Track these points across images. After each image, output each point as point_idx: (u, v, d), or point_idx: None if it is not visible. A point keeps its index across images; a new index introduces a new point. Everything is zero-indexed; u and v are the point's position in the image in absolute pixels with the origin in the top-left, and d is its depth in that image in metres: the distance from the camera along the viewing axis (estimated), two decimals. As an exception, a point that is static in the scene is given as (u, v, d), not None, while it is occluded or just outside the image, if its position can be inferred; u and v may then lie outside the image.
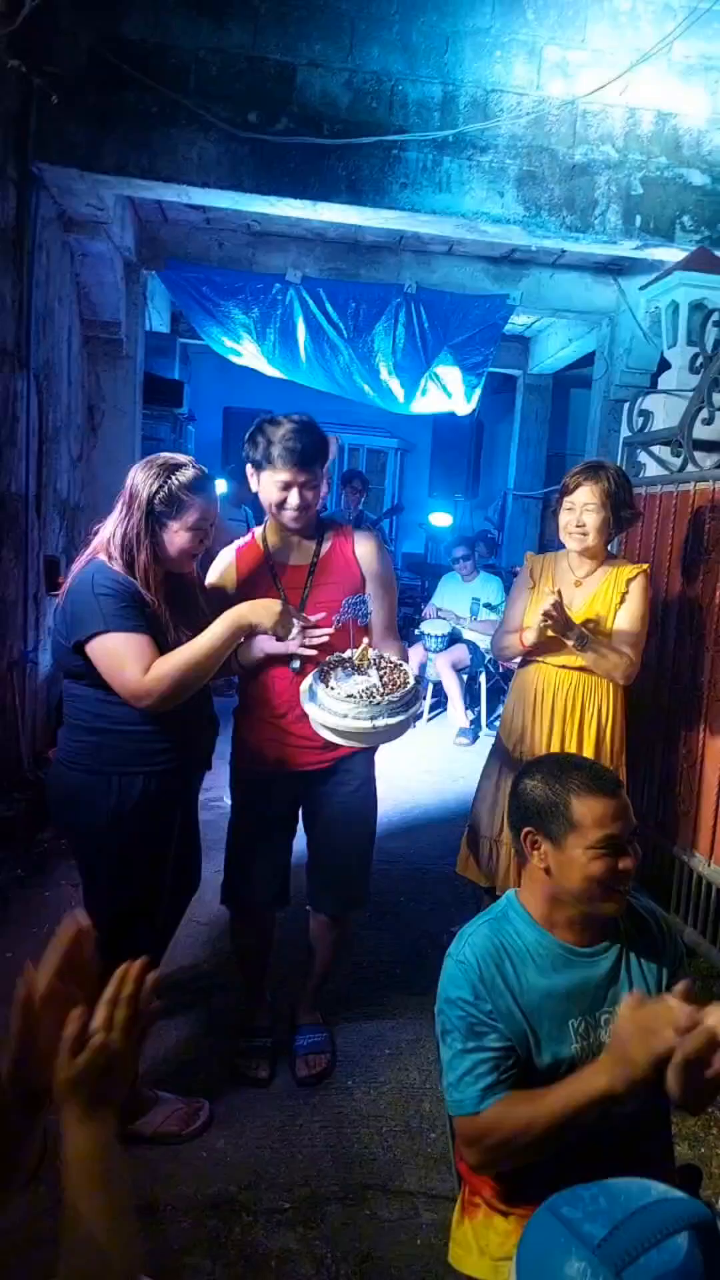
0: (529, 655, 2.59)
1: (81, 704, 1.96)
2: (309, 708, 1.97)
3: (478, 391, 5.61)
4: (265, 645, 2.11)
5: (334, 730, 1.95)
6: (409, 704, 1.96)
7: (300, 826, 2.34)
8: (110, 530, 1.94)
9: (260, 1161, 2.04)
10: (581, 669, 2.50)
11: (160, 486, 1.88)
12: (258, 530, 2.25)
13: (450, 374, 5.48)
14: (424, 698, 5.75)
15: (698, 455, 2.95)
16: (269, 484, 2.09)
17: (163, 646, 1.90)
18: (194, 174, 3.58)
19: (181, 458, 1.97)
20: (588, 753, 2.50)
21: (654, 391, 3.68)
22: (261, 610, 1.95)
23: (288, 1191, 1.96)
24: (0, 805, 3.40)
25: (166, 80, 3.46)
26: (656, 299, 3.75)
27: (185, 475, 1.90)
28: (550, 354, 6.80)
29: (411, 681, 2.00)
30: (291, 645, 2.08)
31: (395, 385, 5.50)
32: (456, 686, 5.66)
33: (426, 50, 3.63)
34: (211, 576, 2.20)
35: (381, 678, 1.97)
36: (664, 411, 3.28)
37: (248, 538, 2.25)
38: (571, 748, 2.52)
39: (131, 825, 1.94)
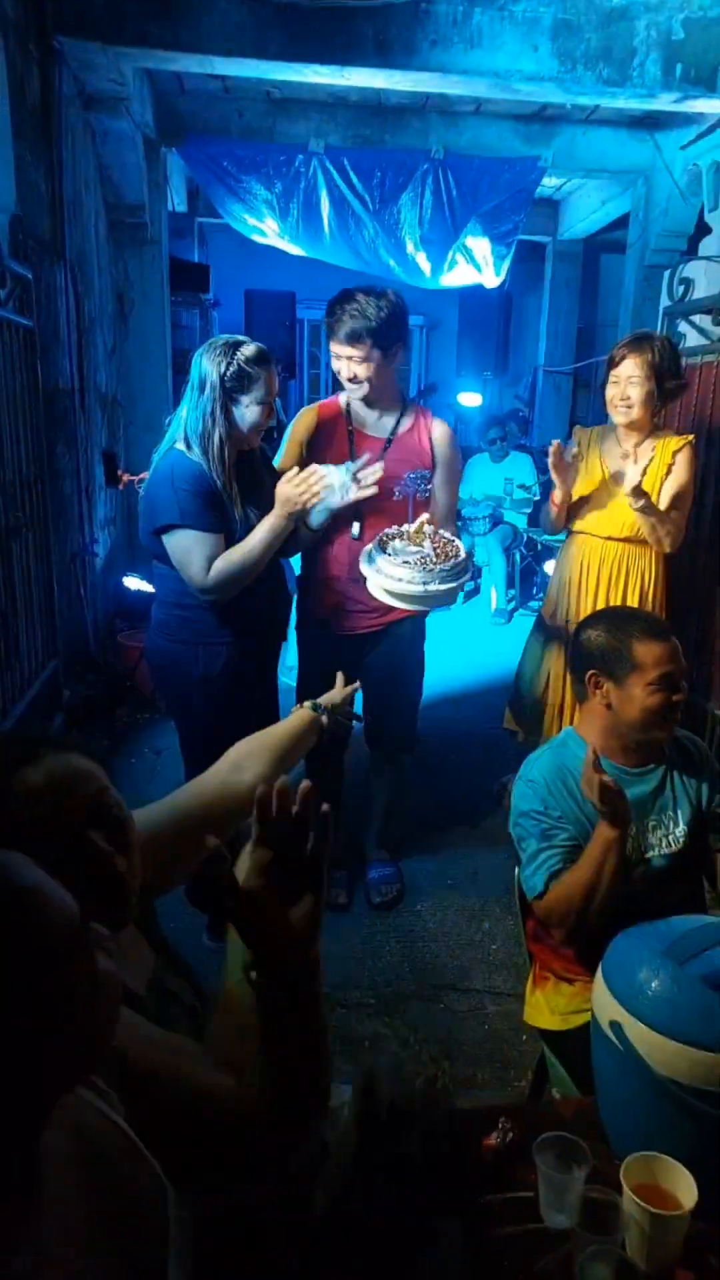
0: (573, 528, 2.72)
1: (168, 583, 2.16)
2: (367, 571, 2.15)
3: (507, 262, 5.48)
4: (330, 504, 2.20)
5: (389, 593, 2.13)
6: (459, 574, 2.13)
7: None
8: (183, 417, 2.08)
9: (347, 968, 2.37)
10: (625, 539, 2.61)
11: (229, 365, 2.00)
12: (342, 395, 2.39)
13: (479, 245, 5.35)
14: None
15: (738, 321, 2.98)
16: (333, 356, 2.24)
17: (231, 525, 2.07)
18: (218, 42, 3.49)
19: (240, 337, 2.08)
20: None
21: (694, 258, 3.64)
22: (282, 499, 2.03)
23: (373, 990, 2.30)
24: (79, 685, 3.67)
25: (185, -61, 3.33)
26: (697, 158, 3.65)
27: (249, 351, 2.02)
28: (582, 217, 6.57)
29: (463, 553, 2.17)
30: (352, 495, 2.16)
31: (422, 259, 5.39)
32: (503, 567, 5.79)
33: None
34: (290, 431, 2.37)
35: (435, 549, 2.14)
36: (705, 279, 3.27)
37: (330, 398, 2.39)
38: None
39: (218, 688, 2.17)
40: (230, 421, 2.03)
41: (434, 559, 2.10)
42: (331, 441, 2.33)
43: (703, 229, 4.21)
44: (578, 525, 2.69)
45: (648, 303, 5.20)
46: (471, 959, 2.43)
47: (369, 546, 2.18)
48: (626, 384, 2.51)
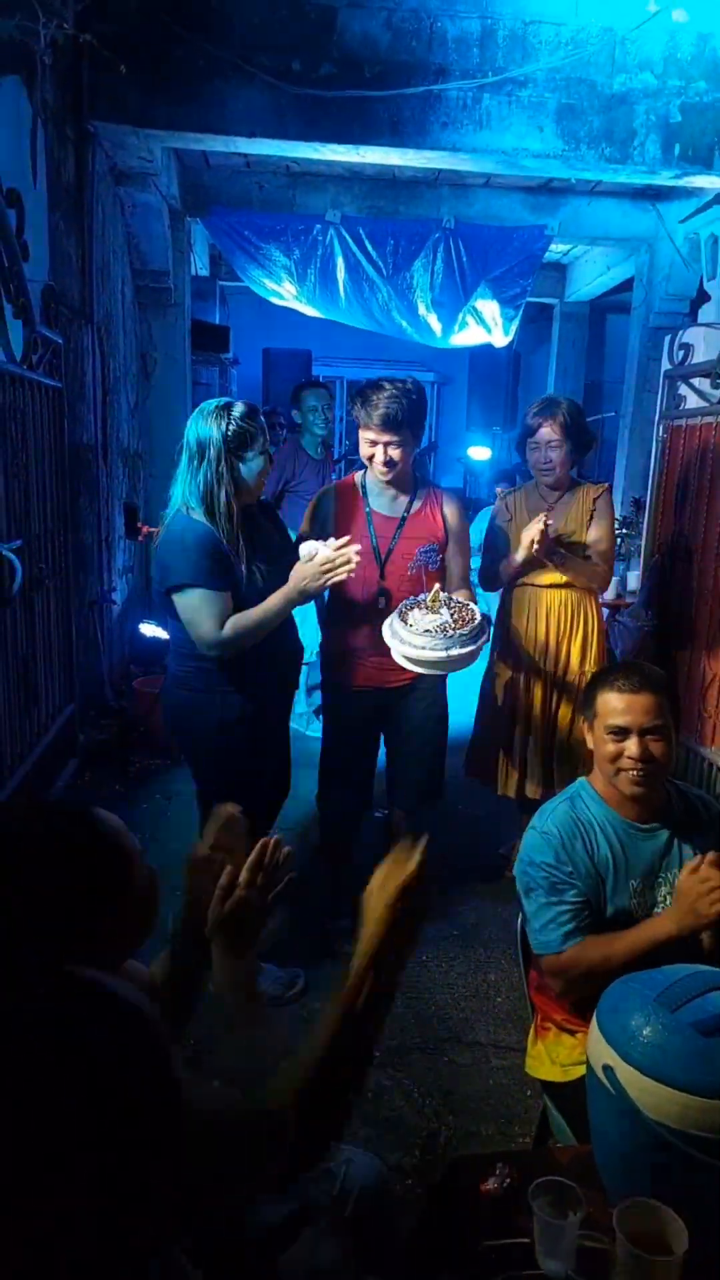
0: (518, 580, 2.83)
1: (184, 635, 2.25)
2: (391, 642, 2.24)
3: (515, 323, 5.67)
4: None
5: (412, 660, 2.21)
6: (477, 637, 2.21)
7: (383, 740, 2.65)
8: (184, 486, 2.17)
9: (353, 1018, 2.38)
10: (567, 585, 2.77)
11: (227, 425, 2.10)
12: (358, 475, 2.50)
13: (488, 307, 5.55)
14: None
15: (736, 386, 3.10)
16: (363, 440, 2.36)
17: (239, 581, 2.15)
18: (241, 125, 3.70)
19: (226, 399, 2.19)
20: (574, 661, 2.81)
21: (695, 325, 3.79)
22: (308, 582, 2.13)
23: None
24: (94, 730, 3.74)
25: (212, 33, 3.55)
26: (697, 230, 3.82)
27: (239, 409, 2.13)
28: (588, 281, 6.79)
29: (479, 618, 2.25)
30: (340, 575, 2.21)
31: (433, 320, 5.59)
32: None
33: (464, -17, 3.65)
34: (311, 511, 2.48)
35: (452, 615, 2.22)
36: (704, 344, 3.40)
37: (348, 478, 2.51)
38: (564, 659, 2.81)
39: (233, 736, 2.24)
40: (236, 478, 2.14)
41: (453, 625, 2.19)
42: (350, 520, 2.44)
43: (704, 295, 4.37)
44: (520, 579, 2.83)
45: (652, 363, 5.36)
46: (476, 1011, 2.44)
47: (391, 618, 2.27)
48: (546, 448, 2.71)
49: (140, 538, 4.56)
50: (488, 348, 6.05)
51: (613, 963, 1.47)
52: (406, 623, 2.20)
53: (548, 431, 2.69)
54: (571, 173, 4.03)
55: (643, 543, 4.13)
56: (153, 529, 4.33)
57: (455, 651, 2.16)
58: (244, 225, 5.24)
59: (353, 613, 2.47)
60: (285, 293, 5.44)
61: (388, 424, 2.31)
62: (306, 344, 7.73)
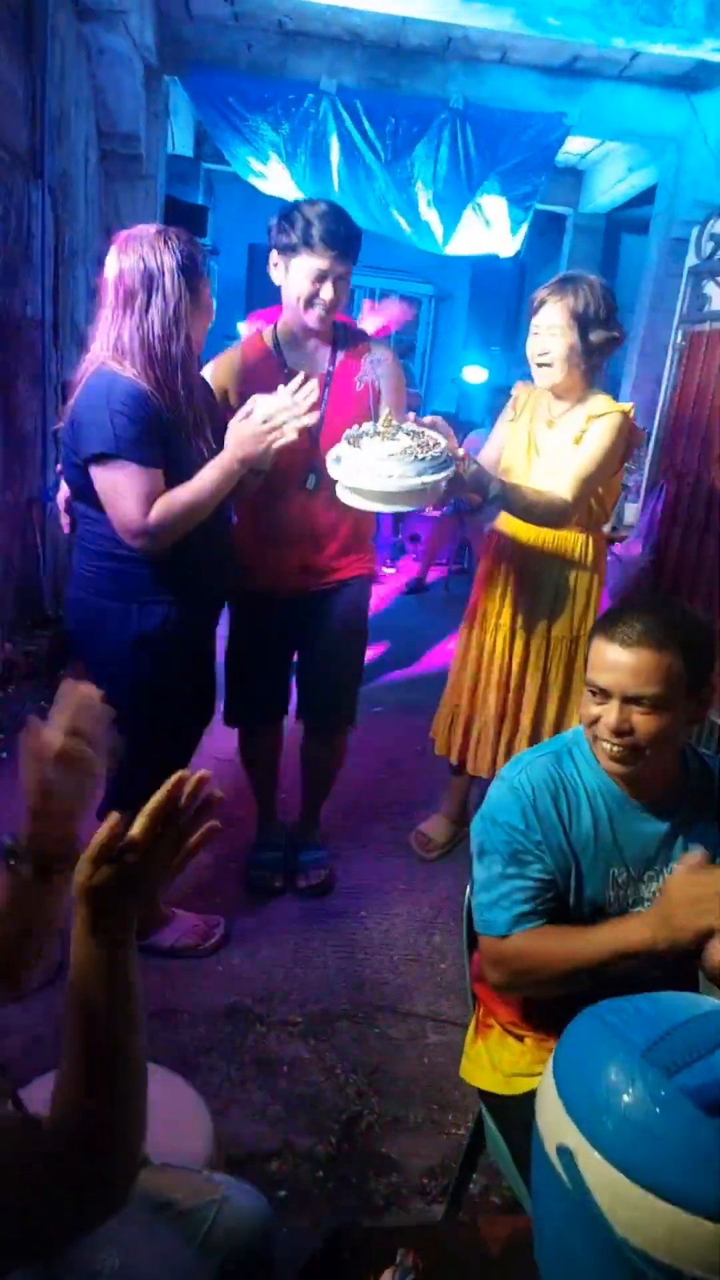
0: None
1: (97, 527, 1.85)
2: (343, 475, 1.83)
3: (524, 228, 5.16)
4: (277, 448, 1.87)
5: (376, 494, 1.81)
6: (445, 465, 1.81)
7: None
8: (116, 330, 1.74)
9: (274, 978, 2.09)
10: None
11: (179, 250, 1.68)
12: (265, 330, 2.08)
13: (495, 205, 5.03)
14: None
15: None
16: (301, 272, 1.90)
17: (179, 455, 1.76)
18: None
19: (159, 225, 1.77)
20: (540, 619, 2.24)
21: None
22: (248, 441, 1.76)
23: (300, 1007, 2.02)
24: (25, 641, 3.39)
25: None
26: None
27: (182, 233, 1.72)
28: (606, 188, 6.23)
29: (441, 443, 1.83)
30: (292, 431, 1.82)
31: (434, 220, 5.09)
32: None
33: None
34: (209, 372, 2.04)
35: (414, 440, 1.82)
36: (736, 238, 2.97)
37: (251, 332, 2.08)
38: (523, 611, 2.25)
39: (151, 655, 1.88)
40: (189, 324, 1.72)
41: (418, 450, 1.79)
42: (263, 385, 1.96)
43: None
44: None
45: (671, 278, 4.87)
46: (416, 977, 2.15)
47: (337, 449, 1.86)
48: (546, 334, 2.05)
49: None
50: (492, 260, 5.54)
51: (569, 965, 1.14)
52: (361, 450, 1.80)
53: (551, 313, 2.03)
54: (601, 33, 3.50)
55: (644, 476, 3.75)
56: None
57: (429, 478, 1.75)
58: (229, 91, 4.67)
59: (273, 497, 2.06)
60: (272, 174, 4.90)
61: (339, 243, 1.87)
62: (297, 243, 7.12)
